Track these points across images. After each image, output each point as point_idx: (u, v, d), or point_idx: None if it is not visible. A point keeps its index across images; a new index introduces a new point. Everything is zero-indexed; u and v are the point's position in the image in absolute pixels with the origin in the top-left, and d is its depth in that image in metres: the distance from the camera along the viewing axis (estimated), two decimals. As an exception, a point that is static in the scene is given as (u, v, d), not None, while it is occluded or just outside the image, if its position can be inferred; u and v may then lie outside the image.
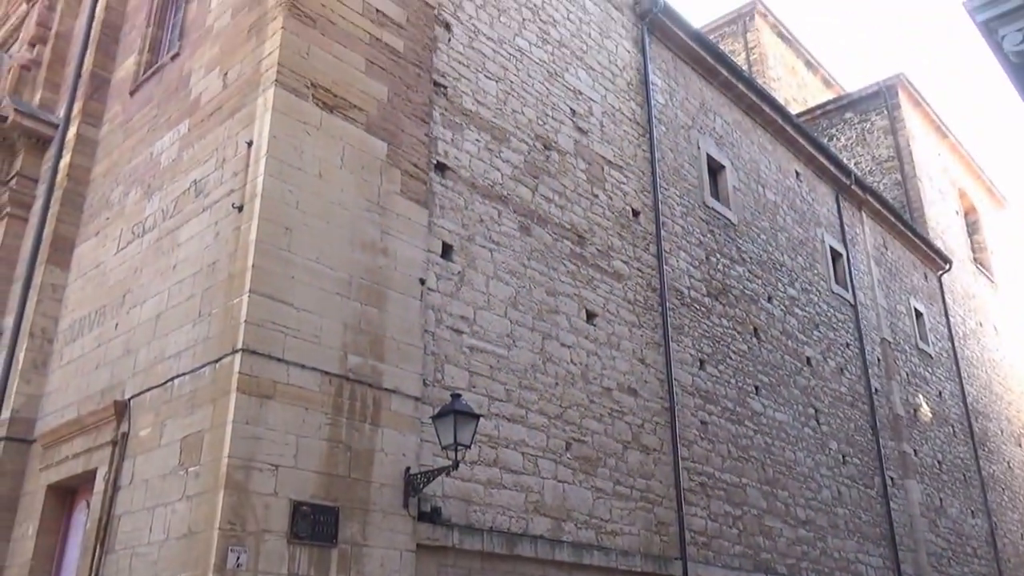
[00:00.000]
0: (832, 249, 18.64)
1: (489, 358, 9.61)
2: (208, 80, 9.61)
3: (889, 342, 19.71)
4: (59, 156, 11.33)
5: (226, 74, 9.29)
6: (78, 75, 11.81)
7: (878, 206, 21.15)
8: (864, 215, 20.74)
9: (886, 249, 21.44)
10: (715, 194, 15.22)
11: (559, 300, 10.86)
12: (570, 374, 10.62)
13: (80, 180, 11.14)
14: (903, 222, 22.38)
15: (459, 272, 9.65)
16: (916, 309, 21.84)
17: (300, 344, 7.69)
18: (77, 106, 11.52)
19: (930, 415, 20.58)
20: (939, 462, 20.16)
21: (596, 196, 12.17)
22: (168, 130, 9.96)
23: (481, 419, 8.39)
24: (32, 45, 12.74)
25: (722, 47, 26.07)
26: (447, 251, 9.60)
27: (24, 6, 13.72)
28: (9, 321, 10.65)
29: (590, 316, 11.29)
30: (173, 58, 10.53)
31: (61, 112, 11.85)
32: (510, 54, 11.53)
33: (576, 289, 11.20)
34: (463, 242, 9.83)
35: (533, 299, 10.47)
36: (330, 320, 8.00)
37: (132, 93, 11.07)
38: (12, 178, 11.66)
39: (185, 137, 9.59)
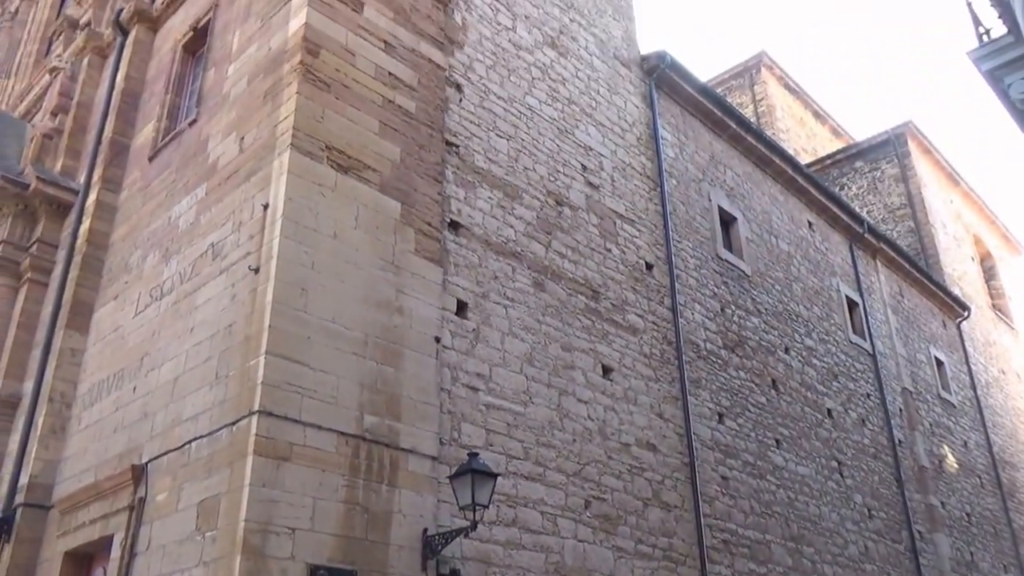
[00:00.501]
0: (848, 298, 18.55)
1: (506, 415, 9.55)
2: (225, 145, 9.80)
3: (910, 392, 19.46)
4: (79, 222, 11.51)
5: (243, 139, 9.46)
6: (98, 142, 12.05)
7: (893, 254, 21.09)
8: (879, 263, 20.67)
9: (903, 297, 21.31)
10: (728, 246, 15.24)
11: (575, 355, 10.82)
12: (587, 430, 10.52)
13: (99, 245, 11.29)
14: (919, 270, 22.28)
15: (474, 329, 9.65)
16: (936, 357, 21.60)
17: (317, 405, 7.67)
18: (97, 172, 11.75)
19: (956, 466, 20.19)
20: (968, 515, 19.71)
21: (609, 250, 12.21)
22: (186, 194, 10.12)
23: (499, 478, 8.30)
24: (55, 114, 13.06)
25: (730, 100, 26.37)
26: (462, 308, 9.62)
27: (47, 77, 14.10)
28: (28, 386, 10.70)
29: (606, 371, 11.23)
30: (191, 124, 10.75)
31: (82, 179, 12.08)
32: (521, 112, 11.71)
33: (591, 344, 11.17)
34: (478, 299, 9.86)
35: (549, 355, 10.44)
36: (346, 380, 7.99)
37: (151, 159, 11.28)
38: (33, 244, 11.85)
39: (203, 201, 9.74)
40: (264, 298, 7.84)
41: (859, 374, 17.69)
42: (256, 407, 7.29)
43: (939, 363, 21.65)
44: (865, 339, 18.48)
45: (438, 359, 8.97)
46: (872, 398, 17.78)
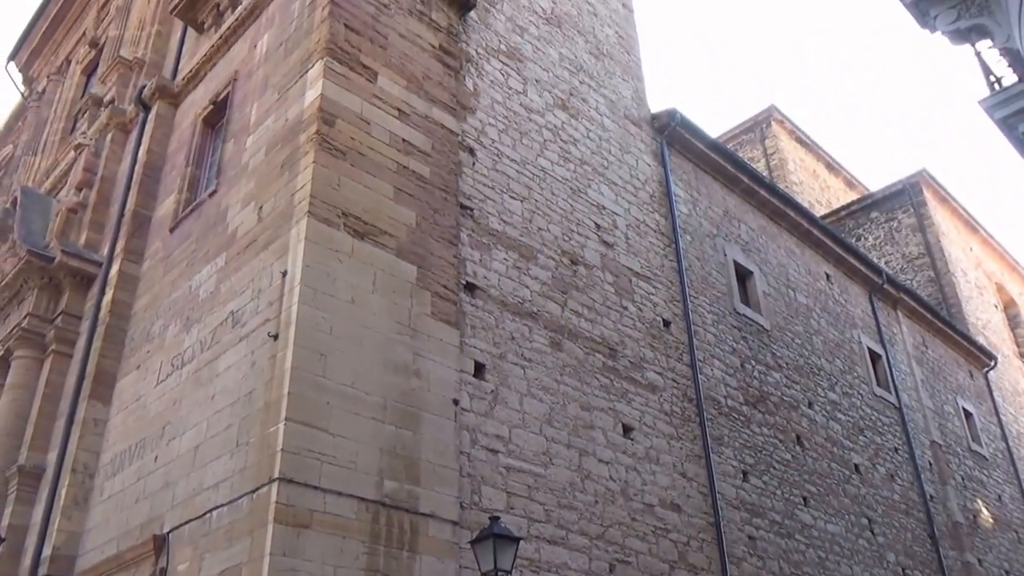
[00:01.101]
0: (870, 350, 18.36)
1: (526, 477, 9.46)
2: (244, 214, 9.98)
3: (940, 445, 19.08)
4: (102, 293, 11.70)
5: (261, 208, 9.64)
6: (121, 215, 12.32)
7: (914, 304, 20.93)
8: (900, 314, 20.50)
9: (926, 348, 21.06)
10: (745, 300, 15.20)
11: (594, 415, 10.75)
12: (610, 491, 10.39)
13: (122, 315, 11.45)
14: (941, 319, 22.06)
15: (492, 391, 9.63)
16: (965, 409, 21.23)
17: (336, 471, 7.65)
18: (120, 244, 11.98)
19: (992, 521, 19.67)
20: (1007, 572, 19.11)
21: (626, 308, 12.22)
22: (206, 264, 10.28)
23: (521, 542, 8.19)
24: (79, 189, 13.38)
25: (741, 155, 26.57)
26: (479, 370, 9.63)
27: (72, 153, 14.48)
28: (52, 457, 10.75)
29: (627, 430, 11.14)
30: (211, 195, 10.98)
31: (105, 251, 12.31)
32: (533, 174, 11.87)
33: (611, 403, 11.10)
34: (495, 360, 9.86)
35: (568, 415, 10.38)
36: (365, 445, 7.98)
37: (172, 230, 11.50)
38: (57, 316, 12.03)
39: (222, 270, 9.89)
40: (283, 364, 7.90)
41: (886, 428, 17.40)
42: (276, 474, 7.29)
43: (968, 414, 21.27)
44: (890, 392, 18.23)
45: (457, 422, 8.95)
46: (900, 452, 17.46)
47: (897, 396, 18.32)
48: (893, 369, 18.77)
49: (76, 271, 12.11)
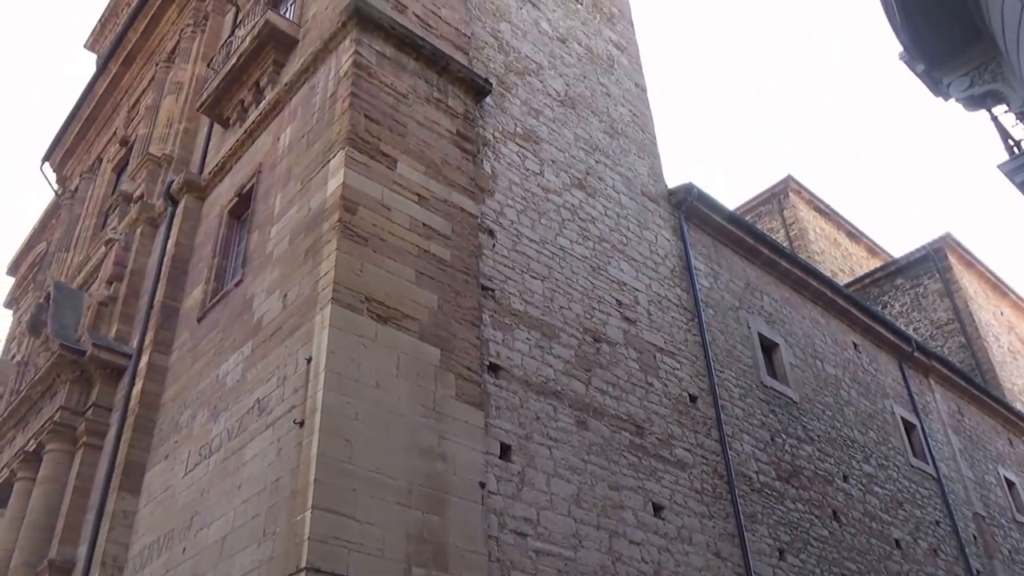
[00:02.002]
0: (904, 420, 17.99)
1: (556, 561, 9.27)
2: (269, 303, 10.14)
3: (983, 517, 18.48)
4: (132, 384, 11.86)
5: (285, 296, 9.80)
6: (150, 307, 12.57)
7: (946, 372, 20.57)
8: (932, 382, 20.15)
9: (962, 416, 20.60)
10: (772, 373, 15.04)
11: (623, 495, 10.58)
12: (642, 574, 10.13)
13: (151, 406, 11.56)
14: (976, 386, 21.63)
15: (519, 472, 9.53)
16: (1007, 478, 20.61)
17: (364, 559, 7.55)
18: (149, 336, 12.18)
19: (1043, 594, 18.87)
20: (1063, 648, 18.24)
21: (651, 384, 12.13)
22: (233, 352, 10.40)
23: (552, 628, 7.98)
24: (109, 283, 13.70)
25: (760, 226, 26.71)
26: (505, 451, 9.55)
27: (103, 248, 14.87)
28: (82, 551, 10.74)
29: (657, 509, 10.93)
30: (237, 284, 11.18)
31: (134, 342, 12.51)
32: (553, 253, 11.98)
33: (640, 482, 10.93)
34: (521, 441, 9.79)
35: (596, 495, 10.22)
36: (392, 531, 7.89)
37: (199, 320, 11.69)
38: (88, 409, 12.18)
39: (248, 358, 9.99)
40: (309, 451, 7.90)
41: (925, 500, 16.91)
42: (304, 563, 7.21)
43: (1010, 484, 20.64)
44: (927, 462, 17.78)
45: (484, 505, 8.84)
46: (942, 525, 16.92)
47: (935, 467, 17.84)
48: (929, 439, 18.34)
49: (107, 363, 12.31)
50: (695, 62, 71.08)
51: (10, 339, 20.44)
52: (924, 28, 8.08)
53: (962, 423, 20.35)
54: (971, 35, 7.98)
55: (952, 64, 8.29)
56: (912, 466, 17.21)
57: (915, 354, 19.59)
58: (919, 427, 18.25)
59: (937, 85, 8.56)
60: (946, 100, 8.65)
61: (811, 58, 72.06)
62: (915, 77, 8.76)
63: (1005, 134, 8.47)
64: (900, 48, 8.66)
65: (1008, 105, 8.23)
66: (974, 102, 8.37)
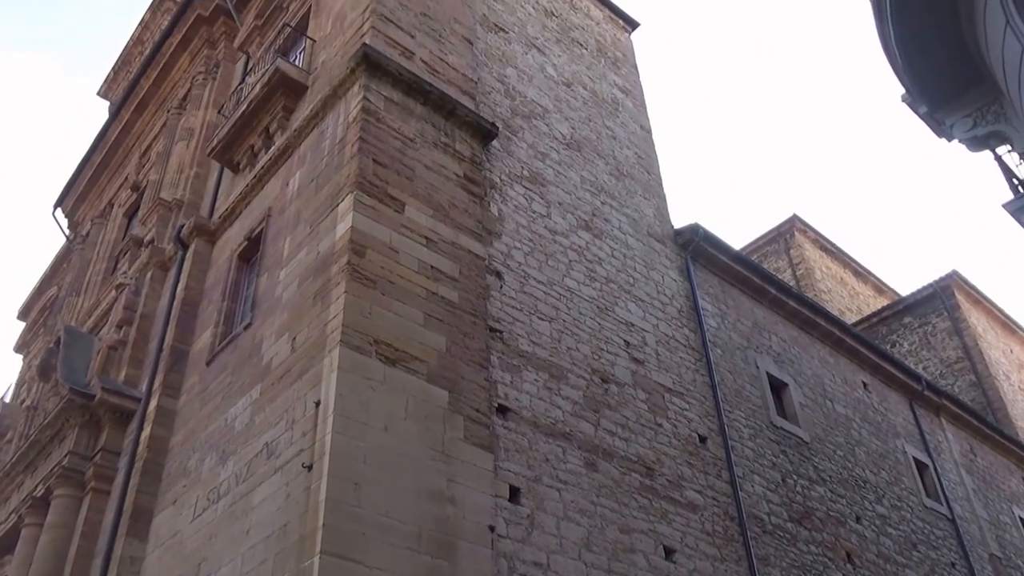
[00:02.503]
0: (916, 460, 17.81)
1: (567, 606, 9.15)
2: (278, 346, 10.17)
3: (999, 558, 18.19)
4: (140, 428, 11.85)
5: (294, 339, 9.83)
6: (160, 350, 12.62)
7: (957, 410, 20.40)
8: (944, 421, 19.98)
9: (975, 455, 20.39)
10: (782, 413, 14.95)
11: (634, 537, 10.47)
12: (654, 617, 9.99)
13: (159, 450, 11.54)
14: (988, 425, 21.44)
15: (528, 515, 9.46)
16: (1022, 518, 20.32)
17: (371, 605, 7.47)
18: (158, 379, 12.21)
19: (1063, 637, 18.48)
20: None
21: (660, 425, 12.08)
22: (241, 396, 10.41)
23: (563, 676, 7.86)
24: (119, 327, 13.76)
25: (767, 266, 26.73)
26: (515, 494, 9.48)
27: (113, 292, 14.97)
28: (87, 598, 10.64)
29: (668, 552, 10.80)
30: (246, 328, 11.23)
31: (143, 386, 12.53)
32: (560, 294, 12.02)
33: (650, 524, 10.82)
34: (530, 484, 9.73)
35: (607, 538, 10.12)
36: (400, 576, 7.82)
37: (208, 363, 11.72)
38: (97, 453, 12.17)
39: (257, 402, 10.00)
40: (318, 496, 7.86)
41: (940, 541, 16.68)
42: (310, 610, 7.13)
43: (1025, 523, 20.35)
44: (941, 503, 17.57)
45: (493, 549, 8.76)
46: (958, 568, 16.66)
47: (949, 507, 17.62)
48: (942, 479, 18.14)
49: (116, 407, 12.31)
50: (699, 101, 71.85)
51: (20, 383, 20.50)
52: (925, 70, 8.15)
53: (975, 462, 20.13)
54: (972, 76, 8.04)
55: (954, 105, 8.33)
56: (926, 507, 17.01)
57: (925, 393, 19.46)
58: (932, 467, 18.07)
59: (940, 126, 8.60)
60: (949, 141, 8.68)
61: (814, 96, 72.77)
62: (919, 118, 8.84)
63: (1009, 174, 8.47)
64: (902, 90, 8.76)
65: (1012, 145, 8.26)
66: (977, 143, 8.39)
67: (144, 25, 22.97)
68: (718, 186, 73.75)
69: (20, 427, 15.72)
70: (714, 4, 68.88)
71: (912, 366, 22.23)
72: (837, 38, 66.29)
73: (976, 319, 26.33)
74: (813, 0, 66.51)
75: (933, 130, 8.71)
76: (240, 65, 16.55)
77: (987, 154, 8.64)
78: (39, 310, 22.73)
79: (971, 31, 7.64)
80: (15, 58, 65.38)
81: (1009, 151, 8.34)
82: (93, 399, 12.35)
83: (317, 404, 8.61)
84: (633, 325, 12.93)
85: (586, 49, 16.72)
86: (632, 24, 18.80)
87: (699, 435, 12.64)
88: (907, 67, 8.14)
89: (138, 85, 19.20)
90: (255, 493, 9.04)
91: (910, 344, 26.45)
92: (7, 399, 19.42)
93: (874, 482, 15.95)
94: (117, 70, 23.95)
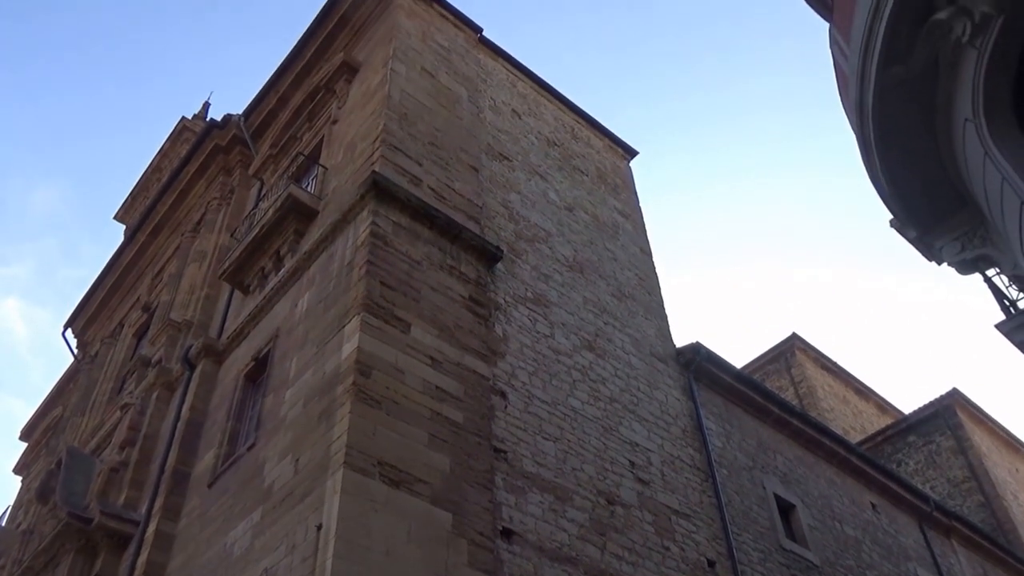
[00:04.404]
0: (930, 584, 17.35)
1: None
2: (281, 467, 10.13)
3: None
4: (137, 553, 11.63)
5: (298, 460, 9.80)
6: (161, 472, 12.52)
7: (968, 532, 19.99)
8: (955, 543, 19.54)
9: (990, 579, 19.84)
10: (791, 535, 14.67)
11: (643, 667, 10.12)
12: None
13: (155, 576, 11.29)
14: (1000, 547, 20.94)
15: (534, 644, 9.19)
16: (1043, 645, 19.59)
17: None
18: (158, 502, 12.07)
19: None
20: None
21: (667, 548, 11.86)
22: (242, 519, 10.27)
23: None
24: (122, 448, 13.71)
25: (769, 384, 26.71)
26: (520, 622, 9.25)
27: (118, 413, 14.98)
28: None
29: None
30: (249, 448, 11.20)
31: (143, 509, 12.37)
32: (565, 414, 12.04)
33: (659, 653, 10.48)
34: (535, 610, 9.49)
35: (615, 669, 9.78)
36: None
37: (210, 485, 11.62)
38: (90, 581, 11.89)
39: (257, 525, 9.87)
40: (318, 623, 7.69)
41: (961, 671, 16.03)
42: None
43: (1048, 652, 19.57)
44: (959, 629, 16.98)
45: None
46: None
47: (968, 635, 17.02)
48: (958, 604, 17.60)
49: (113, 532, 12.13)
50: (697, 222, 73.41)
51: (17, 506, 20.15)
52: (912, 197, 8.43)
53: (991, 587, 19.56)
54: (957, 201, 8.31)
55: (942, 229, 8.57)
56: (943, 635, 16.44)
57: (935, 514, 19.12)
58: (947, 592, 17.56)
59: (930, 250, 8.84)
60: (939, 264, 8.91)
61: (810, 216, 74.38)
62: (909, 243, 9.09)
63: (1000, 295, 8.65)
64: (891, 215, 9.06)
65: (1000, 268, 8.47)
66: (966, 266, 8.59)
67: (163, 153, 23.91)
68: (717, 305, 74.43)
69: (14, 552, 15.41)
70: (712, 130, 71.43)
71: (920, 486, 21.90)
72: (834, 160, 68.46)
73: (980, 438, 26.10)
74: (809, 124, 69.00)
75: (923, 254, 8.94)
76: (254, 191, 17.14)
77: (978, 275, 8.85)
78: (42, 431, 22.62)
79: (952, 160, 8.00)
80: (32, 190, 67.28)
81: (997, 273, 8.55)
82: (91, 523, 12.17)
83: (319, 528, 8.51)
84: (638, 445, 12.88)
85: (587, 176, 17.33)
86: (631, 152, 19.57)
87: (708, 559, 12.39)
88: (894, 194, 8.45)
89: (154, 209, 19.80)
90: (254, 621, 8.82)
91: (916, 463, 26.11)
92: (3, 523, 19.06)
93: (888, 609, 15.48)
94: (135, 196, 24.73)
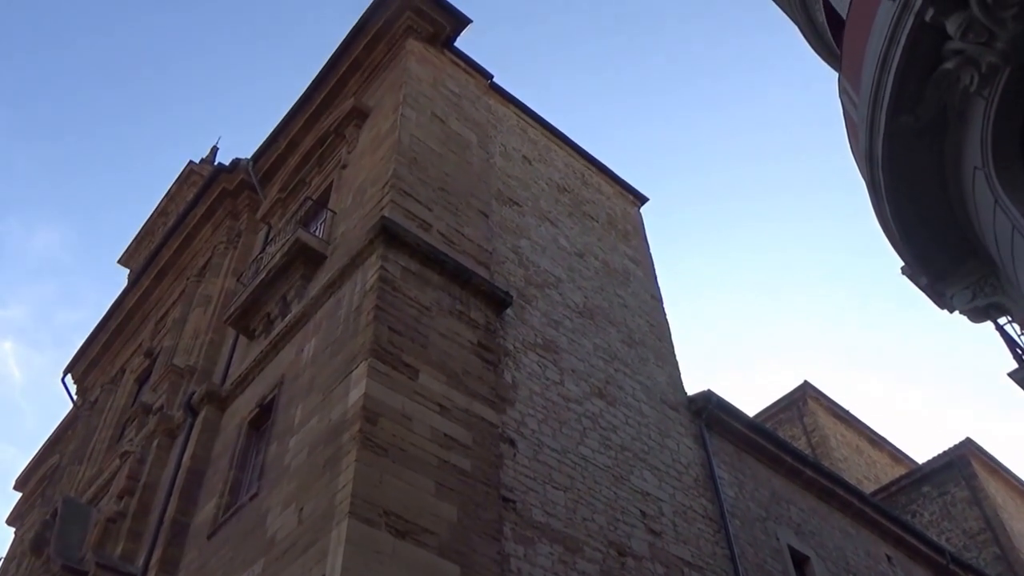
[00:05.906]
0: (950, 641, 16.82)
1: None
2: (284, 517, 9.85)
3: None
4: (132, 609, 11.29)
5: (302, 509, 9.53)
6: (160, 522, 12.21)
7: (987, 587, 19.48)
8: (974, 598, 19.03)
9: (1011, 636, 19.25)
10: (806, 589, 14.27)
11: None
12: None
13: (149, 635, 10.95)
14: (1021, 602, 20.38)
15: None
16: None
17: None
18: (156, 555, 11.73)
19: None
20: None
21: (681, 603, 11.50)
22: (243, 571, 9.95)
23: None
24: (120, 497, 13.40)
25: (781, 433, 26.31)
26: None
27: (117, 461, 14.71)
28: None
29: None
30: (251, 498, 10.92)
31: (140, 561, 12.05)
32: (575, 463, 11.78)
33: None
34: (546, 669, 9.15)
35: None
36: None
37: (210, 537, 11.31)
38: (83, 636, 11.54)
39: (259, 578, 9.58)
40: None
41: None
42: None
43: None
44: None
45: None
46: None
47: None
48: (980, 663, 17.04)
49: (109, 585, 11.80)
50: (708, 269, 73.33)
51: (9, 559, 19.67)
52: (922, 244, 8.31)
53: (1013, 645, 18.98)
54: (968, 249, 8.20)
55: (954, 277, 8.45)
56: None
57: (951, 567, 18.66)
58: (968, 650, 17.02)
59: (941, 298, 8.70)
60: (951, 312, 8.76)
61: (821, 263, 74.28)
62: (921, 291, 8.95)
63: (1012, 344, 8.52)
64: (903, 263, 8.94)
65: (1011, 316, 8.34)
66: (978, 314, 8.45)
67: (169, 197, 23.95)
68: (729, 353, 73.96)
69: (5, 607, 15.03)
70: (723, 178, 71.75)
71: (935, 538, 21.39)
72: (845, 207, 68.63)
73: (995, 489, 25.61)
74: (820, 172, 69.25)
75: (935, 302, 8.80)
76: (261, 235, 17.08)
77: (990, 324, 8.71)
78: (38, 480, 22.22)
79: (962, 208, 7.90)
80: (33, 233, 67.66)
81: (1009, 322, 8.42)
82: None
83: (323, 580, 8.25)
84: (649, 494, 12.58)
85: (597, 222, 17.28)
86: (641, 199, 19.55)
87: (721, 614, 12.01)
88: (905, 241, 8.34)
89: (160, 253, 19.72)
90: None
91: (931, 514, 25.58)
92: (-8, 577, 18.63)
93: (909, 667, 14.98)
94: (140, 240, 24.72)
